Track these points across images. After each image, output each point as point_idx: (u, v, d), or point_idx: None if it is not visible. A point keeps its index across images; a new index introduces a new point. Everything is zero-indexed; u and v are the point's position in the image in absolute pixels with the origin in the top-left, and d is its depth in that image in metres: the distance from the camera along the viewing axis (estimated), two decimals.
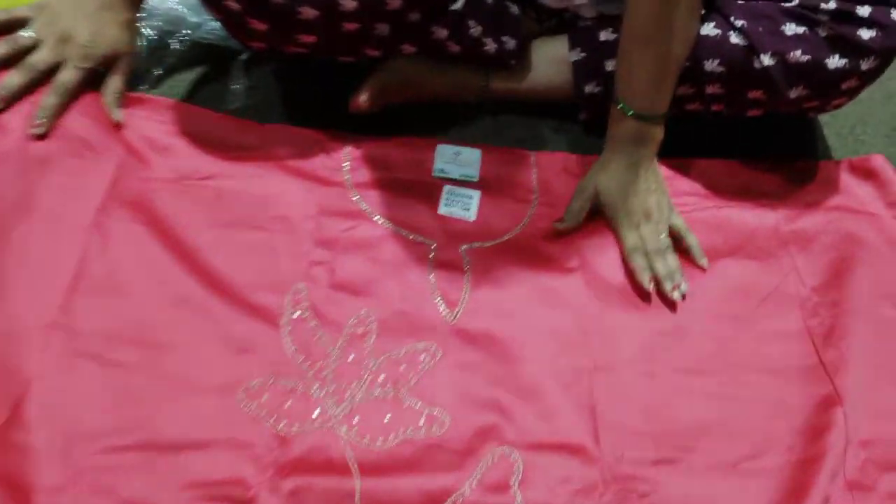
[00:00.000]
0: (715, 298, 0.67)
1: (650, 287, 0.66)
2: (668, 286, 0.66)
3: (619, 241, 0.69)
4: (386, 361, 0.60)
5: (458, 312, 0.63)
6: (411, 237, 0.68)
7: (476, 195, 0.72)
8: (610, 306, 0.65)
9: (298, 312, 0.61)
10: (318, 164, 0.72)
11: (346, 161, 0.73)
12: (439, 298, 0.64)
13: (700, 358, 0.63)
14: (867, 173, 0.78)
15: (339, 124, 0.75)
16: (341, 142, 0.74)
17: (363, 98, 0.72)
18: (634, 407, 0.60)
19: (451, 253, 0.67)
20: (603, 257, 0.69)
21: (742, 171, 0.78)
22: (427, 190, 0.72)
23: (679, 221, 0.70)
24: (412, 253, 0.66)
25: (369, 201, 0.70)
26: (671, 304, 0.66)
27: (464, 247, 0.68)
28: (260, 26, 0.64)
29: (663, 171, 0.76)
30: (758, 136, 0.81)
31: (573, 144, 0.78)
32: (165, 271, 0.62)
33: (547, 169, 0.75)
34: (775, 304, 0.67)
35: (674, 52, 0.67)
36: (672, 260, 0.67)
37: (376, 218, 0.69)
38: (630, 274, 0.67)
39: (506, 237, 0.69)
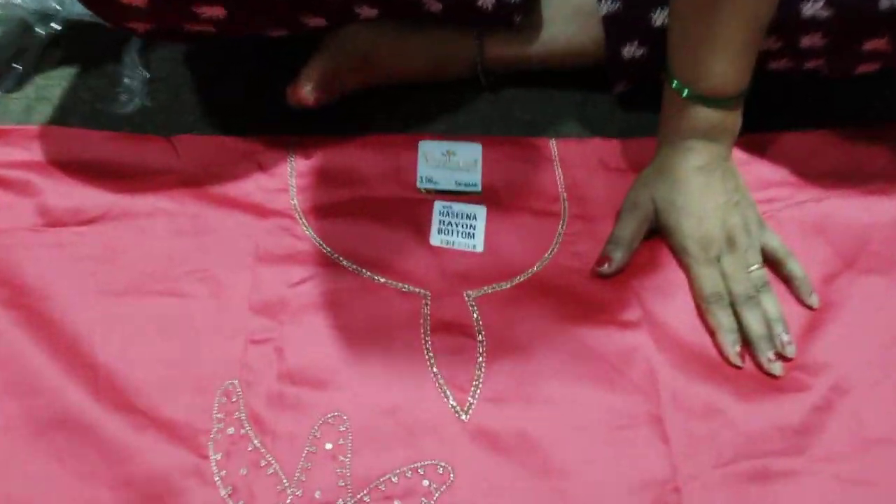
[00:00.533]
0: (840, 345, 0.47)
1: (738, 360, 0.45)
2: (765, 354, 0.44)
3: (690, 282, 0.48)
4: (371, 496, 0.39)
5: (471, 405, 0.43)
6: (394, 285, 0.47)
7: (482, 213, 0.51)
8: (693, 380, 0.44)
9: (231, 429, 0.41)
10: (252, 186, 0.51)
11: (291, 178, 0.52)
12: (442, 381, 0.43)
13: (840, 446, 0.42)
14: None
15: (279, 126, 0.53)
16: (284, 150, 0.52)
17: (307, 88, 0.50)
18: None
19: (453, 305, 0.46)
20: (678, 299, 0.48)
21: (840, 144, 0.57)
22: (411, 211, 0.50)
23: (775, 242, 0.48)
24: (397, 310, 0.45)
25: (328, 236, 0.49)
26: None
27: (471, 294, 0.47)
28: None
29: (735, 153, 0.56)
30: (844, 94, 0.60)
31: (605, 125, 0.57)
32: (27, 375, 0.41)
33: (575, 163, 0.54)
34: None
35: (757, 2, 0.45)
36: (771, 306, 0.46)
37: (340, 260, 0.48)
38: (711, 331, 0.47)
39: (530, 273, 0.48)
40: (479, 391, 0.43)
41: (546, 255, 0.49)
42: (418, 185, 0.51)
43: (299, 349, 0.43)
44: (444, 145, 0.53)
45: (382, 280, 0.47)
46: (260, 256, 0.47)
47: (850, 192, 0.54)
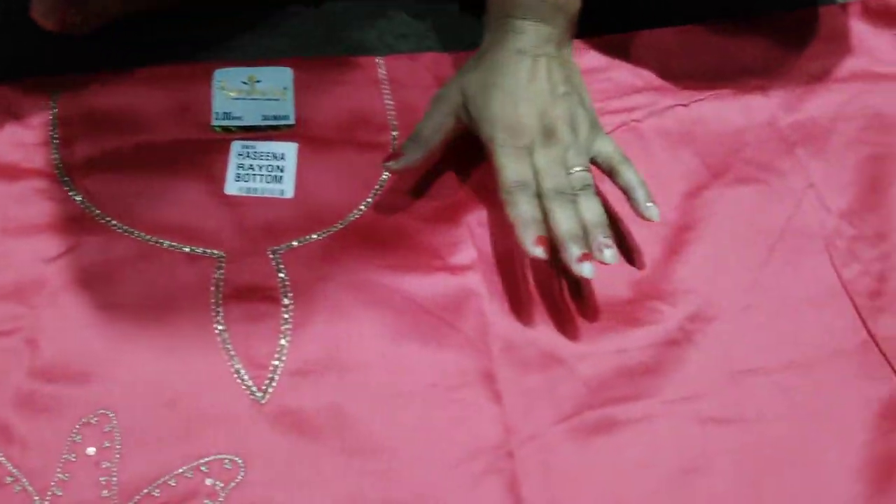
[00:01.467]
0: (694, 265, 0.41)
1: (536, 250, 0.36)
2: (571, 252, 0.36)
3: (494, 174, 0.39)
4: (143, 502, 0.33)
5: (271, 382, 0.35)
6: (179, 248, 0.38)
7: (291, 151, 0.42)
8: (528, 326, 0.38)
9: None
10: (5, 140, 0.41)
11: (54, 129, 0.42)
12: (235, 358, 0.36)
13: (701, 383, 0.37)
14: (891, 15, 0.52)
15: (38, 67, 0.44)
16: (44, 96, 0.43)
17: (44, 5, 0.40)
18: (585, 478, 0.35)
19: (253, 266, 0.38)
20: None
21: (710, 39, 0.50)
22: (202, 156, 0.41)
23: (609, 147, 0.40)
24: (182, 279, 0.37)
25: (97, 195, 0.40)
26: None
27: (276, 250, 0.39)
28: None
29: (592, 59, 0.49)
30: None
31: (449, 40, 0.49)
32: None
33: (406, 84, 0.46)
34: (791, 251, 0.43)
35: None
36: (592, 210, 0.38)
37: (112, 223, 0.39)
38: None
39: (350, 218, 0.41)
40: (281, 365, 0.36)
41: (369, 196, 0.41)
42: (213, 122, 0.42)
43: (57, 338, 0.35)
44: (246, 71, 0.44)
45: (165, 244, 0.38)
46: (6, 229, 0.38)
47: (721, 93, 0.48)
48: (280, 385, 0.35)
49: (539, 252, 0.36)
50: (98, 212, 0.39)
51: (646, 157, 0.45)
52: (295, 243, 0.39)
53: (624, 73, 0.48)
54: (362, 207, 0.41)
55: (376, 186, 0.42)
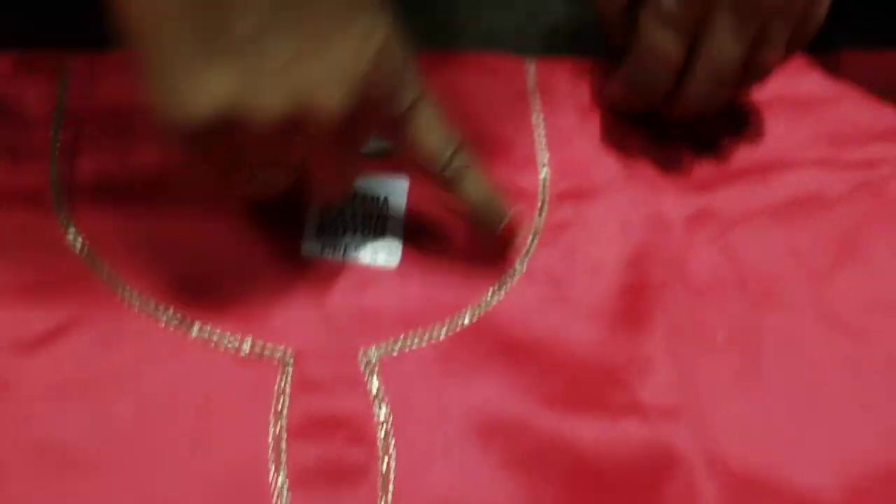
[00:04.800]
0: None
1: None
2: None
3: None
4: None
5: None
6: (224, 342, 0.25)
7: (400, 191, 0.28)
8: None
9: None
10: None
11: (55, 124, 0.28)
12: None
13: None
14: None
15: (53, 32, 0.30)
16: (50, 72, 0.29)
17: None
18: None
19: (336, 376, 0.24)
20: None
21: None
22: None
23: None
24: (225, 391, 0.24)
25: (105, 241, 0.26)
26: None
27: (372, 353, 0.26)
28: None
29: (815, 85, 0.34)
30: None
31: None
32: None
33: (563, 101, 0.32)
34: None
35: None
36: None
37: (126, 293, 0.26)
38: None
39: (482, 307, 0.27)
40: None
41: (513, 271, 0.28)
42: None
43: (15, 483, 0.22)
44: None
45: (194, 330, 0.25)
46: None
47: None
48: None
49: None
50: (106, 270, 0.26)
51: None
52: (402, 344, 0.26)
53: (862, 110, 0.34)
54: (499, 290, 0.27)
55: (525, 253, 0.28)
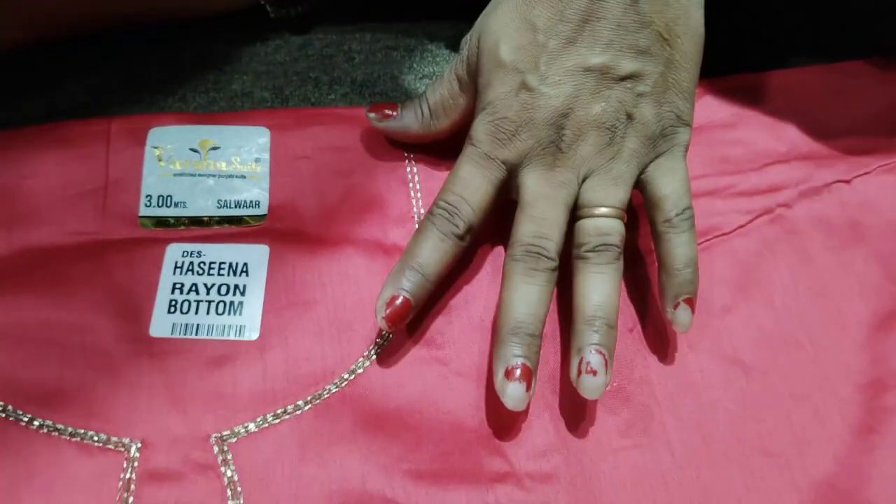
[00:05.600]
0: None
1: (503, 391, 0.23)
2: (575, 366, 0.24)
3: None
4: None
5: None
6: (67, 434, 0.23)
7: (261, 259, 0.27)
8: None
9: None
10: None
11: None
12: None
13: None
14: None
15: None
16: None
17: None
18: None
19: (185, 461, 0.23)
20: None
21: (871, 82, 0.34)
22: (120, 264, 0.26)
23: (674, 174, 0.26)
24: (70, 484, 0.22)
25: None
26: None
27: (223, 437, 0.24)
28: None
29: (711, 108, 0.33)
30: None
31: None
32: None
33: (436, 159, 0.31)
34: None
35: None
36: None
37: None
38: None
39: (344, 381, 0.25)
40: None
41: (386, 334, 0.26)
42: (140, 211, 0.28)
43: None
44: (196, 132, 0.29)
45: (40, 424, 0.23)
46: None
47: (894, 163, 0.32)
48: None
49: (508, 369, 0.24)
50: None
51: (803, 264, 0.30)
52: (256, 425, 0.24)
53: (760, 132, 0.33)
54: (367, 357, 0.26)
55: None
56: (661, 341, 0.27)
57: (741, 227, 0.31)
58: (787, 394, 0.27)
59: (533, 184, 0.25)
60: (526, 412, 0.25)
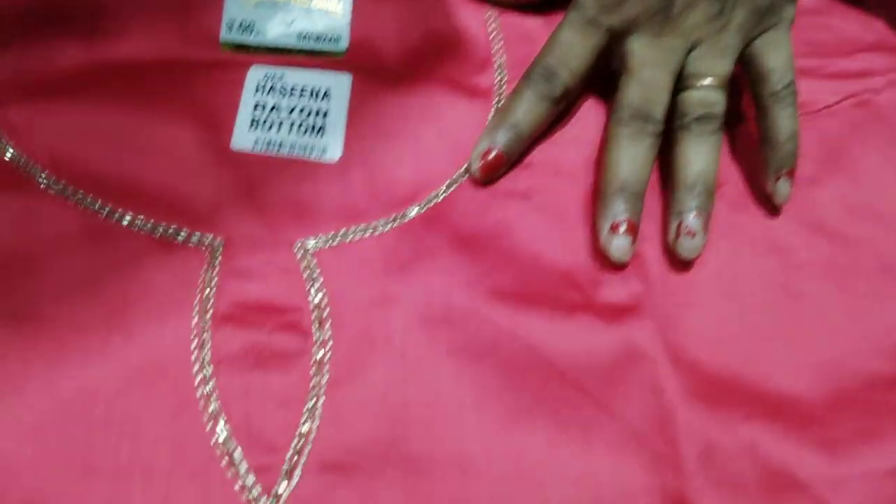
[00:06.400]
0: None
1: (609, 244, 0.23)
2: (674, 228, 0.24)
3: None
4: None
5: (288, 481, 0.20)
6: (148, 228, 0.23)
7: (342, 87, 0.26)
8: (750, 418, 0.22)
9: None
10: None
11: None
12: (228, 439, 0.20)
13: None
14: None
15: None
16: None
17: None
18: None
19: (268, 266, 0.22)
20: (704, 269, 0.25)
21: None
22: (202, 84, 0.25)
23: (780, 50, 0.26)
24: (149, 280, 0.22)
25: (23, 130, 0.24)
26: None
27: (308, 245, 0.24)
28: None
29: None
30: None
31: None
32: None
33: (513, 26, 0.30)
34: None
35: None
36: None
37: (41, 179, 0.23)
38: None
39: (430, 201, 0.25)
40: (307, 453, 0.20)
41: (461, 169, 0.26)
42: (222, 36, 0.27)
43: None
44: None
45: (127, 218, 0.23)
46: None
47: None
48: (302, 488, 0.20)
49: (619, 237, 0.24)
50: (23, 159, 0.24)
51: (890, 148, 0.29)
52: (342, 235, 0.24)
53: (849, 22, 0.32)
54: (448, 186, 0.25)
55: (479, 149, 0.26)
56: (744, 204, 0.27)
57: (828, 106, 0.30)
58: (875, 266, 0.27)
59: (640, 49, 0.25)
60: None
